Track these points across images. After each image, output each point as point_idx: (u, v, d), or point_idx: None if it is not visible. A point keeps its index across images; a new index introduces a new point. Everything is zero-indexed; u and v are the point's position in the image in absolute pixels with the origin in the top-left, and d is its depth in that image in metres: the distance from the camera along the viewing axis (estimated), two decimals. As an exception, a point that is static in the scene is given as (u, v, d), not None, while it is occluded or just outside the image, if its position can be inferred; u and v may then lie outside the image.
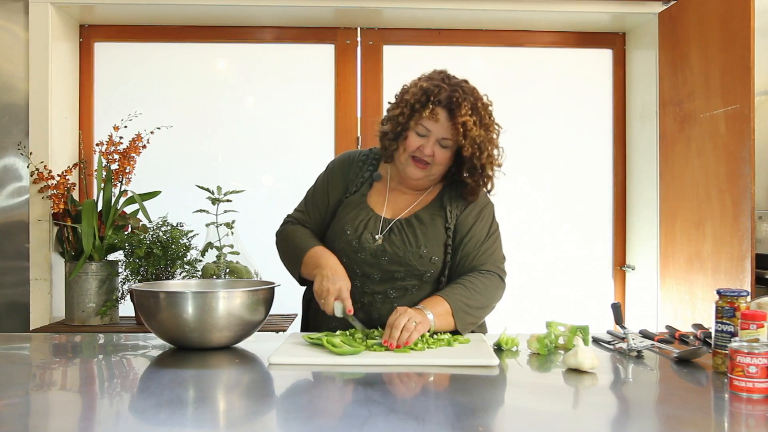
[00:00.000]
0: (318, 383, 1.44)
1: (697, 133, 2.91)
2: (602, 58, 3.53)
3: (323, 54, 3.42)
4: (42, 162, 2.97)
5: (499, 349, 1.73)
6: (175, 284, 1.89)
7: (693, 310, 2.91)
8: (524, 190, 3.49)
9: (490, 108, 1.94)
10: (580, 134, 3.51)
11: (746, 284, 2.58)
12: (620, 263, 3.51)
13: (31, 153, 2.98)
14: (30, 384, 1.45)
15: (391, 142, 1.95)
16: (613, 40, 3.51)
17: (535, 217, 3.49)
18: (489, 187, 2.00)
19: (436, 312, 1.78)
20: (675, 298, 3.06)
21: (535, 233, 3.49)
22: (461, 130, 1.83)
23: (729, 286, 2.65)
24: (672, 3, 3.11)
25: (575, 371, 1.50)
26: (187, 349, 1.70)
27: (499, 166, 1.97)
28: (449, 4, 3.18)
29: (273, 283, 1.79)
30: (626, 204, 3.51)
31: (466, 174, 1.95)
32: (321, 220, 2.04)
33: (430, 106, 1.84)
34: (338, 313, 1.79)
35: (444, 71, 1.96)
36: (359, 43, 3.41)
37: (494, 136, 1.92)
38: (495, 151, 1.93)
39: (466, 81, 1.94)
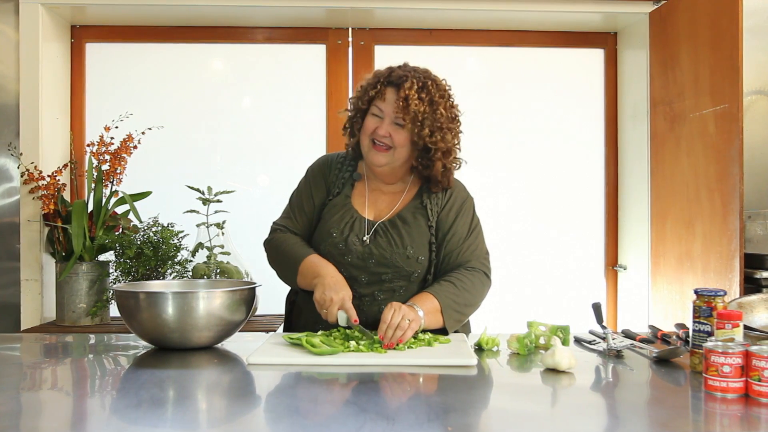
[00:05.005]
0: (295, 383, 1.45)
1: (687, 133, 2.91)
2: (594, 57, 3.53)
3: (315, 54, 3.42)
4: (32, 163, 2.97)
5: (479, 349, 1.74)
6: (155, 284, 1.89)
7: (683, 309, 2.91)
8: (517, 189, 3.49)
9: (445, 90, 1.93)
10: (572, 134, 3.51)
11: (735, 283, 2.57)
12: (612, 263, 3.51)
13: (21, 154, 2.98)
14: (20, 384, 1.45)
15: (352, 130, 1.99)
16: (605, 40, 3.51)
17: (527, 216, 3.49)
18: (441, 176, 1.95)
19: (426, 309, 1.79)
20: (666, 298, 3.05)
21: (527, 233, 3.49)
22: (402, 104, 1.83)
23: (718, 285, 2.64)
24: (662, 2, 3.10)
25: (553, 371, 1.50)
26: (169, 350, 1.70)
27: (449, 151, 1.93)
28: (440, 4, 3.18)
29: (253, 284, 1.79)
30: (618, 204, 3.51)
31: (416, 162, 1.94)
32: (308, 224, 2.03)
33: (378, 86, 1.88)
34: (342, 323, 1.78)
35: (406, 63, 1.97)
36: (350, 44, 3.41)
37: (443, 114, 1.88)
38: (442, 135, 1.89)
39: (426, 70, 1.94)
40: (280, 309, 2.25)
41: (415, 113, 1.84)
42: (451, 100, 1.95)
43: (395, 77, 1.87)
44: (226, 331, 1.71)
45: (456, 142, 1.95)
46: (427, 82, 1.87)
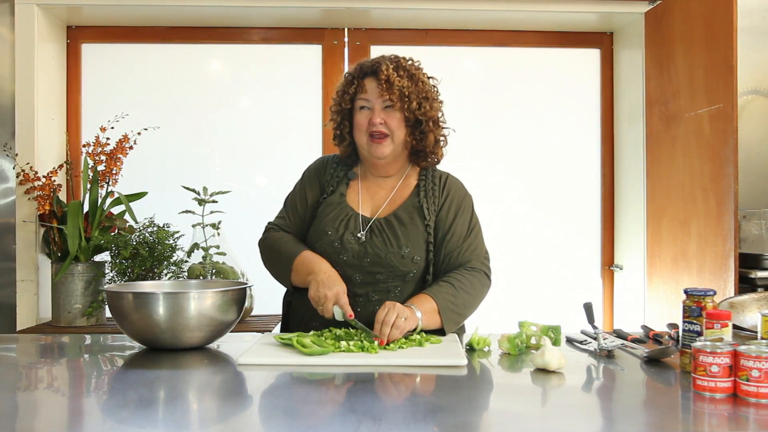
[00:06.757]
0: (285, 384, 1.45)
1: (682, 133, 2.90)
2: (590, 57, 3.53)
3: (311, 55, 3.43)
4: (28, 163, 2.97)
5: (471, 349, 1.73)
6: (147, 285, 1.89)
7: (679, 309, 2.90)
8: (513, 189, 3.49)
9: (417, 64, 2.00)
10: (568, 134, 3.51)
11: (730, 283, 2.57)
12: (608, 263, 3.51)
13: (17, 154, 2.99)
14: (16, 385, 1.46)
15: (342, 135, 2.02)
16: (601, 40, 3.51)
17: (523, 216, 3.49)
18: (433, 147, 2.01)
19: (423, 309, 1.79)
20: (662, 298, 3.05)
21: (523, 233, 3.49)
22: (385, 85, 1.89)
23: (713, 285, 2.64)
24: (658, 2, 3.10)
25: (544, 371, 1.50)
26: (161, 350, 1.70)
27: (437, 120, 2.00)
28: (437, 4, 3.18)
29: (244, 284, 1.79)
30: (614, 203, 3.51)
31: (409, 137, 1.97)
32: (301, 223, 2.04)
33: (356, 82, 1.95)
34: (338, 317, 1.79)
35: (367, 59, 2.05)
36: (346, 44, 3.42)
37: (425, 84, 1.96)
38: (430, 104, 1.96)
39: (392, 54, 2.02)
40: (277, 309, 2.25)
41: (401, 89, 1.90)
42: (425, 72, 2.02)
43: (368, 68, 1.95)
44: (217, 332, 1.71)
45: (441, 112, 2.02)
46: (399, 61, 1.96)
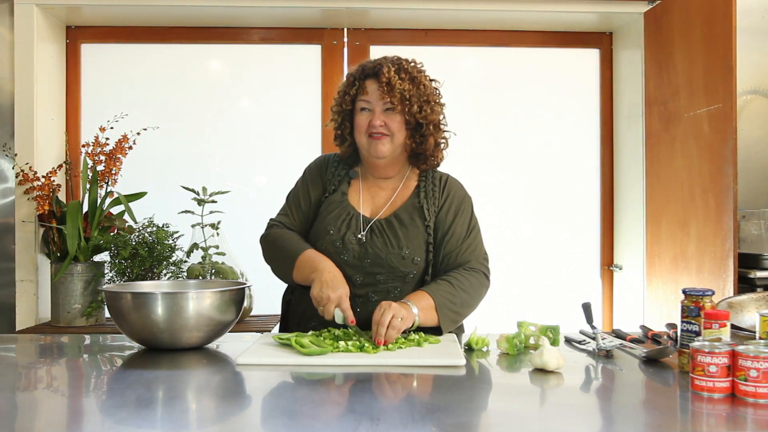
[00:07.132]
0: (283, 384, 1.45)
1: (681, 133, 2.91)
2: (590, 57, 3.53)
3: (310, 54, 3.43)
4: (27, 163, 2.97)
5: (469, 349, 1.73)
6: (145, 285, 1.89)
7: (678, 309, 2.90)
8: (512, 189, 3.49)
9: (419, 66, 1.99)
10: (567, 134, 3.51)
11: (729, 283, 2.57)
12: (608, 263, 3.51)
13: (16, 154, 2.99)
14: (15, 385, 1.46)
15: (343, 136, 2.02)
16: (600, 40, 3.51)
17: (522, 216, 3.49)
18: (433, 151, 2.00)
19: (420, 306, 1.79)
20: (661, 298, 3.05)
21: (522, 233, 3.49)
22: (386, 87, 1.89)
23: (712, 285, 2.64)
24: (657, 2, 3.10)
25: (542, 371, 1.50)
26: (160, 350, 1.70)
27: (438, 124, 2.00)
28: (436, 4, 3.18)
29: (243, 284, 1.79)
30: (614, 203, 3.51)
31: (409, 140, 1.97)
32: (305, 220, 2.04)
33: (357, 83, 1.95)
34: (338, 320, 1.78)
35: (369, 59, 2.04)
36: (346, 44, 3.42)
37: (426, 87, 1.95)
38: (431, 108, 1.95)
39: (395, 56, 2.01)
40: (276, 309, 2.25)
41: (401, 93, 1.90)
42: (427, 74, 2.01)
43: (369, 69, 1.94)
44: (216, 332, 1.71)
45: (442, 115, 2.02)
46: (402, 63, 1.95)
